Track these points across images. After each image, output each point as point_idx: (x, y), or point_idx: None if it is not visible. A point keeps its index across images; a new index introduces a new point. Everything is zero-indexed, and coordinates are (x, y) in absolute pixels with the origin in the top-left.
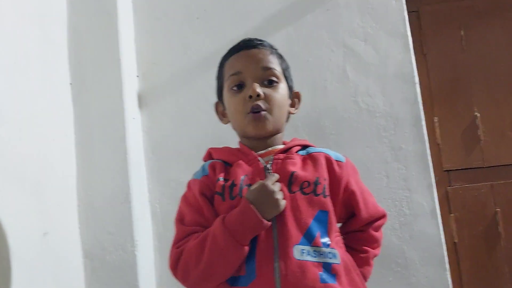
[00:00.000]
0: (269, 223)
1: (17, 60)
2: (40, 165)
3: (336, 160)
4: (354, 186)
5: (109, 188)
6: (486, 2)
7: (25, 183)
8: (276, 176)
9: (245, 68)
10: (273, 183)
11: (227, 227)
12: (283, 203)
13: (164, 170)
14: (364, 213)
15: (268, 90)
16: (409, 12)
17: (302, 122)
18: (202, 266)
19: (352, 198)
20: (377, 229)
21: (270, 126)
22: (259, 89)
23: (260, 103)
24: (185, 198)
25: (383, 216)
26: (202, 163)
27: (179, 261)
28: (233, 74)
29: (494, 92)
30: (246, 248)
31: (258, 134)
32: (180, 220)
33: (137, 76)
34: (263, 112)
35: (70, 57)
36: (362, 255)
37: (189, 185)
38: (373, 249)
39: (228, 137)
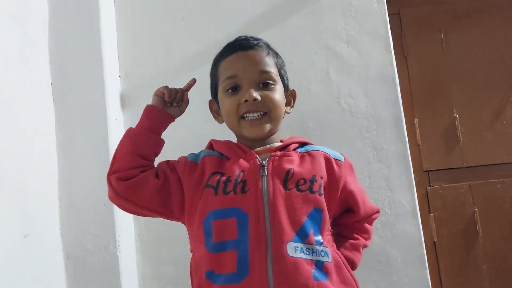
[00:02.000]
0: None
1: None
2: (21, 166)
3: (335, 159)
4: (352, 186)
5: (91, 189)
6: (466, 6)
7: (5, 184)
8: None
9: (241, 71)
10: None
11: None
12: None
13: None
14: (362, 211)
15: (264, 93)
16: (390, 15)
17: (286, 123)
18: (115, 154)
19: (351, 198)
20: (371, 222)
21: (267, 129)
22: (255, 94)
23: (259, 106)
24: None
25: (377, 212)
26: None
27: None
28: (229, 77)
29: (473, 94)
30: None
31: (254, 138)
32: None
33: (120, 76)
34: (261, 115)
35: (51, 57)
36: (352, 241)
37: (180, 158)
38: (365, 239)
39: (211, 137)
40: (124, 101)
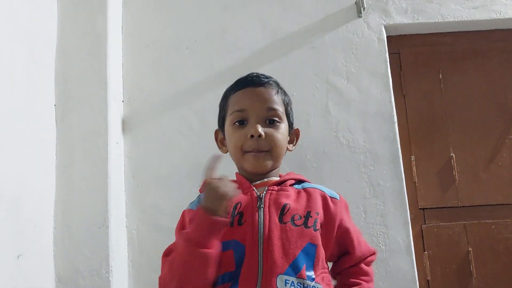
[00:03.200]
0: (225, 219)
1: (2, 78)
2: (18, 185)
3: (331, 197)
4: (348, 224)
5: (87, 212)
6: (464, 48)
7: (0, 202)
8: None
9: (249, 106)
10: (219, 180)
11: (186, 235)
12: (231, 192)
13: (144, 196)
14: (357, 251)
15: (269, 130)
16: (390, 54)
17: (284, 157)
18: (176, 284)
19: (346, 236)
20: (368, 264)
21: (268, 165)
22: (261, 130)
23: (261, 143)
24: (176, 230)
25: (373, 253)
26: (182, 189)
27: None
28: (237, 110)
29: (469, 134)
30: (211, 252)
31: (256, 172)
32: (167, 251)
33: (123, 101)
34: (263, 153)
35: (57, 78)
36: (355, 287)
37: (183, 214)
38: (366, 282)
39: None
40: (125, 126)
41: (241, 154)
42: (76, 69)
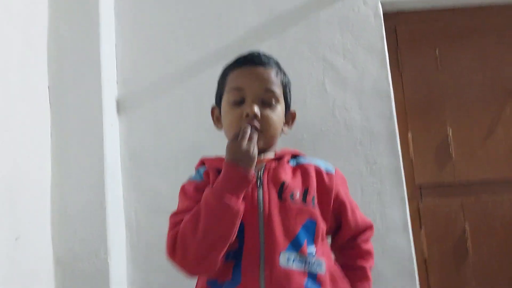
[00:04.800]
0: (253, 173)
1: None
2: (14, 168)
3: (326, 172)
4: (343, 197)
5: (84, 195)
6: (460, 25)
7: None
8: (249, 129)
9: (247, 85)
10: (244, 135)
11: (216, 189)
12: (255, 151)
13: (141, 178)
14: (352, 224)
15: (265, 111)
16: (386, 30)
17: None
18: (199, 235)
19: (341, 209)
20: (366, 241)
21: (261, 145)
22: (257, 110)
23: (256, 123)
24: (180, 197)
25: (370, 227)
26: (179, 171)
27: (175, 242)
28: (234, 88)
29: (465, 111)
30: (240, 207)
31: None
32: (174, 212)
33: (117, 83)
34: (256, 133)
35: (50, 60)
36: (359, 272)
37: (183, 186)
38: (367, 261)
39: (205, 146)
40: (120, 107)
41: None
42: (69, 51)
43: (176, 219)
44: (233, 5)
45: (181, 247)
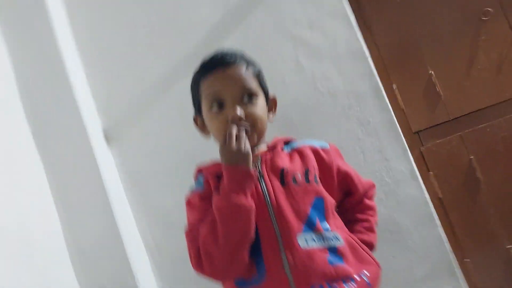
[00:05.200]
0: (254, 170)
1: None
2: (22, 227)
3: (322, 148)
4: (344, 167)
5: (97, 231)
6: None
7: (6, 252)
8: (234, 130)
9: (223, 89)
10: (232, 138)
11: (224, 193)
12: (248, 147)
13: (146, 198)
14: (360, 188)
15: (248, 108)
16: None
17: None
18: (221, 241)
19: (347, 179)
20: (371, 198)
21: (254, 142)
22: (239, 111)
23: (243, 124)
24: (188, 211)
25: (373, 185)
26: (179, 181)
27: (199, 255)
28: (211, 95)
29: (442, 47)
30: (251, 203)
31: None
32: (187, 230)
33: (97, 113)
34: (246, 133)
35: (27, 110)
36: (365, 223)
37: (188, 199)
38: (373, 216)
39: (198, 152)
40: (108, 137)
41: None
42: (43, 98)
43: (191, 235)
44: (188, 7)
45: (207, 258)
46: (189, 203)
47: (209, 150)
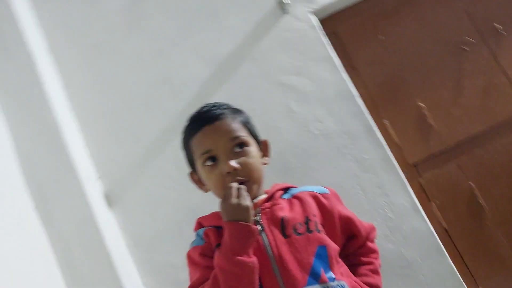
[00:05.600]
0: (255, 226)
1: None
2: None
3: (322, 194)
4: (345, 211)
5: None
6: (394, 3)
7: None
8: (234, 185)
9: (214, 145)
10: (231, 193)
11: (226, 250)
12: (248, 202)
13: (153, 259)
14: (363, 232)
15: (242, 159)
16: (329, 35)
17: (268, 166)
18: None
19: (349, 223)
20: (372, 241)
21: (254, 190)
22: (234, 163)
23: (239, 174)
24: (190, 268)
25: (374, 229)
26: (184, 237)
27: None
28: (203, 153)
29: (428, 80)
30: (254, 259)
31: None
32: (190, 286)
33: (99, 178)
34: (245, 183)
35: (28, 184)
36: (370, 266)
37: (189, 254)
38: (376, 259)
39: (201, 206)
40: (110, 200)
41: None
42: (42, 170)
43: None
44: (180, 65)
45: None
46: (189, 258)
47: (211, 203)
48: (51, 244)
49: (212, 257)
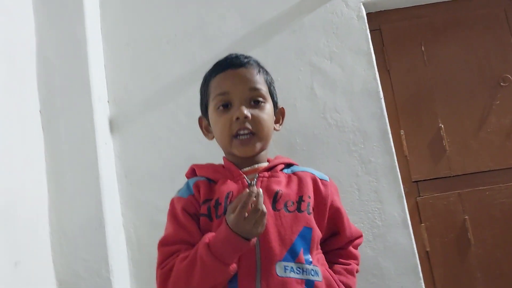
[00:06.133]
0: (254, 240)
1: None
2: (10, 193)
3: (321, 179)
4: (339, 204)
5: (82, 214)
6: (444, 19)
7: None
8: (260, 195)
9: (232, 88)
10: (254, 215)
11: (213, 253)
12: (260, 229)
13: (138, 194)
14: (347, 232)
15: (255, 111)
16: (371, 31)
17: (274, 140)
18: (194, 284)
19: (337, 217)
20: (356, 247)
21: (257, 148)
22: (247, 111)
23: (247, 125)
24: (169, 217)
25: (360, 236)
26: (175, 184)
27: (167, 283)
28: (220, 94)
29: (456, 104)
30: (234, 266)
31: (245, 156)
32: (163, 241)
33: (108, 102)
34: (250, 135)
35: (40, 85)
36: (347, 266)
37: (173, 203)
38: (356, 264)
39: (200, 158)
40: (113, 126)
41: (228, 139)
42: (58, 74)
43: (165, 250)
44: (217, 16)
45: None
46: (171, 206)
47: (211, 158)
48: (45, 148)
49: (193, 214)
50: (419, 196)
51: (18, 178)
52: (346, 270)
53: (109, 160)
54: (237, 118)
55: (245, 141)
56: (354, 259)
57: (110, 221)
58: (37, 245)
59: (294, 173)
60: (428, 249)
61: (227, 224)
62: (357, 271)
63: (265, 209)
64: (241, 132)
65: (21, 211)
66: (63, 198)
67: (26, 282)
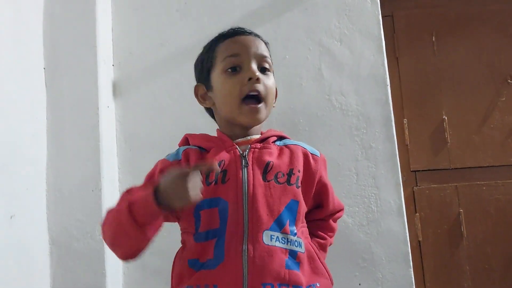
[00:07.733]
0: (170, 210)
1: None
2: (9, 148)
3: (312, 154)
4: (326, 180)
5: (80, 175)
6: (458, 12)
7: None
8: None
9: (243, 50)
10: (192, 175)
11: (130, 207)
12: (194, 197)
13: (136, 160)
14: (331, 206)
15: (263, 77)
16: (383, 16)
17: (276, 118)
18: (109, 236)
19: (323, 191)
20: (335, 220)
21: (263, 118)
22: (259, 74)
23: (259, 87)
24: (147, 174)
25: (342, 209)
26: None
27: (103, 226)
28: (230, 56)
29: (461, 97)
30: (148, 233)
31: (251, 125)
32: (127, 189)
33: (113, 65)
34: (260, 105)
35: (45, 41)
36: (321, 241)
37: (156, 164)
38: (330, 237)
39: (201, 129)
40: (116, 90)
41: (237, 103)
42: (64, 33)
43: (122, 195)
44: None
45: (102, 230)
46: (155, 167)
47: (212, 128)
48: (47, 106)
49: None
50: (416, 185)
51: (18, 133)
52: (320, 244)
53: (110, 124)
54: (250, 79)
55: (254, 109)
56: (331, 232)
57: (106, 184)
58: (33, 201)
59: (286, 146)
60: (420, 239)
61: (157, 184)
62: (330, 244)
63: (196, 194)
64: (252, 94)
65: (19, 166)
66: (62, 157)
67: (20, 236)
